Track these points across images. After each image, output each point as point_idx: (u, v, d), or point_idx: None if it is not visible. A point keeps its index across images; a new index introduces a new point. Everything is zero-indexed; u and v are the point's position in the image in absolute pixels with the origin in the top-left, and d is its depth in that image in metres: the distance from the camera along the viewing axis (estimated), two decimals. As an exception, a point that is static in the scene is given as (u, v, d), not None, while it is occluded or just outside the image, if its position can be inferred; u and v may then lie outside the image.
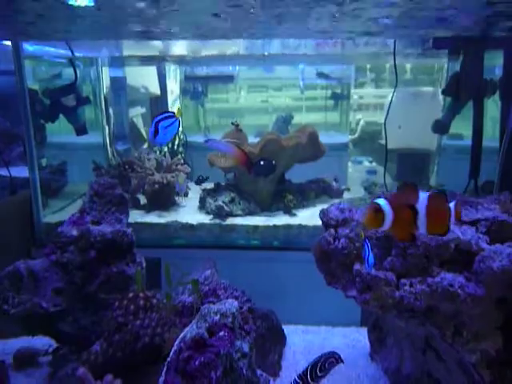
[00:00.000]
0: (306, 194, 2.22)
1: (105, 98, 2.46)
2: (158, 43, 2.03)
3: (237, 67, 3.57)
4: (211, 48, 2.25)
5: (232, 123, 2.30)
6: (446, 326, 0.68)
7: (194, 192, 2.27)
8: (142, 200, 2.18)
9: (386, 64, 3.59)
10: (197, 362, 0.55)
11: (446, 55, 2.18)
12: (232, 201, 2.05)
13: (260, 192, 2.14)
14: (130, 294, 0.73)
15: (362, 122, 3.96)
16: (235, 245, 1.96)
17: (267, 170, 1.96)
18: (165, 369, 0.58)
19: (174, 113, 1.00)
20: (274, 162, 1.95)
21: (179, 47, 2.21)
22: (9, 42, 1.77)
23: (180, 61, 3.06)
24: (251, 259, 1.97)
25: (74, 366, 0.88)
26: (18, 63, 1.78)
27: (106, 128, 2.51)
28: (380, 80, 3.94)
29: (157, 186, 2.06)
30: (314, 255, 0.85)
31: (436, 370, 0.78)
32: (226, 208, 2.00)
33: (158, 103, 3.48)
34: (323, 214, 0.86)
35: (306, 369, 0.73)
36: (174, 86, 3.59)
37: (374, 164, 3.57)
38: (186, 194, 2.30)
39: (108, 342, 0.70)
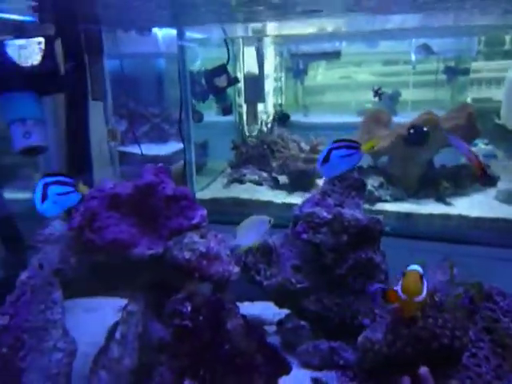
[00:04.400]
0: (459, 181, 2.03)
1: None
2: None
3: (343, 43, 3.41)
4: (310, 25, 2.15)
5: (374, 90, 2.14)
6: None
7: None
8: (281, 180, 2.20)
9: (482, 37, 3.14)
10: None
11: None
12: (381, 185, 1.95)
13: (408, 176, 2.01)
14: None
15: (468, 100, 3.52)
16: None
17: (421, 139, 1.81)
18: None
19: (74, 183, 0.78)
20: (425, 128, 1.80)
21: (275, 26, 2.13)
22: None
23: (275, 39, 3.02)
24: (399, 247, 1.87)
25: (316, 344, 0.90)
26: (181, 48, 1.83)
27: (244, 106, 2.55)
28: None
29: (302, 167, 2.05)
30: None
31: None
32: (375, 193, 1.91)
33: (254, 83, 3.45)
34: None
35: None
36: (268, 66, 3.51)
37: (490, 147, 3.15)
38: (321, 176, 2.26)
39: (394, 335, 0.68)
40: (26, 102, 0.87)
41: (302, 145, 2.30)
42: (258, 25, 2.03)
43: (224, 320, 0.74)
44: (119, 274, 0.85)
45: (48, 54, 0.88)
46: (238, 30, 2.34)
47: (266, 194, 2.08)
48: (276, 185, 2.20)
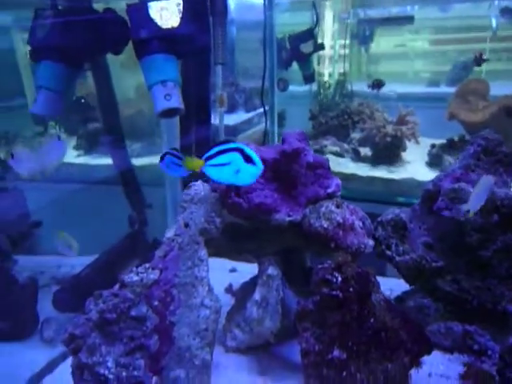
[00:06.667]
0: None
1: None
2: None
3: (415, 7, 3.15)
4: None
5: (477, 57, 1.95)
6: None
7: (413, 147, 2.09)
8: (362, 152, 2.12)
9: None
10: None
11: None
12: (479, 162, 1.81)
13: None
14: None
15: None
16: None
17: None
18: None
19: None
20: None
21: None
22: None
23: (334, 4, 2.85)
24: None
25: (448, 325, 0.87)
26: (268, 14, 1.75)
27: (326, 74, 2.45)
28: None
29: (389, 138, 1.96)
30: None
31: None
32: (472, 169, 1.78)
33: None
34: None
35: None
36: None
37: None
38: (404, 149, 2.15)
39: None
40: (167, 65, 0.87)
41: (385, 115, 2.19)
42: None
43: (369, 293, 0.73)
44: (256, 237, 0.86)
45: (185, 16, 0.87)
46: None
47: (348, 166, 2.02)
48: (357, 157, 2.13)
